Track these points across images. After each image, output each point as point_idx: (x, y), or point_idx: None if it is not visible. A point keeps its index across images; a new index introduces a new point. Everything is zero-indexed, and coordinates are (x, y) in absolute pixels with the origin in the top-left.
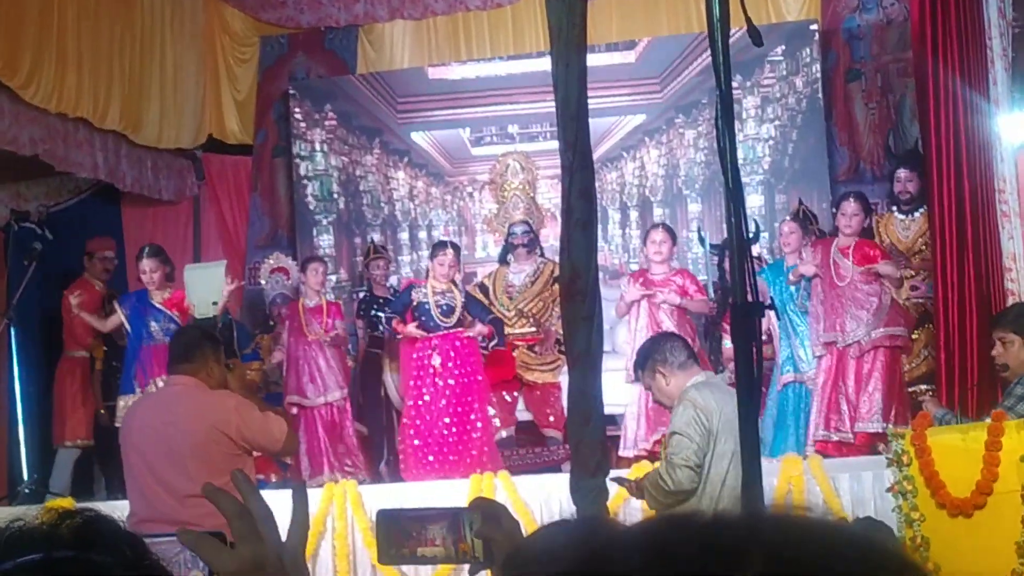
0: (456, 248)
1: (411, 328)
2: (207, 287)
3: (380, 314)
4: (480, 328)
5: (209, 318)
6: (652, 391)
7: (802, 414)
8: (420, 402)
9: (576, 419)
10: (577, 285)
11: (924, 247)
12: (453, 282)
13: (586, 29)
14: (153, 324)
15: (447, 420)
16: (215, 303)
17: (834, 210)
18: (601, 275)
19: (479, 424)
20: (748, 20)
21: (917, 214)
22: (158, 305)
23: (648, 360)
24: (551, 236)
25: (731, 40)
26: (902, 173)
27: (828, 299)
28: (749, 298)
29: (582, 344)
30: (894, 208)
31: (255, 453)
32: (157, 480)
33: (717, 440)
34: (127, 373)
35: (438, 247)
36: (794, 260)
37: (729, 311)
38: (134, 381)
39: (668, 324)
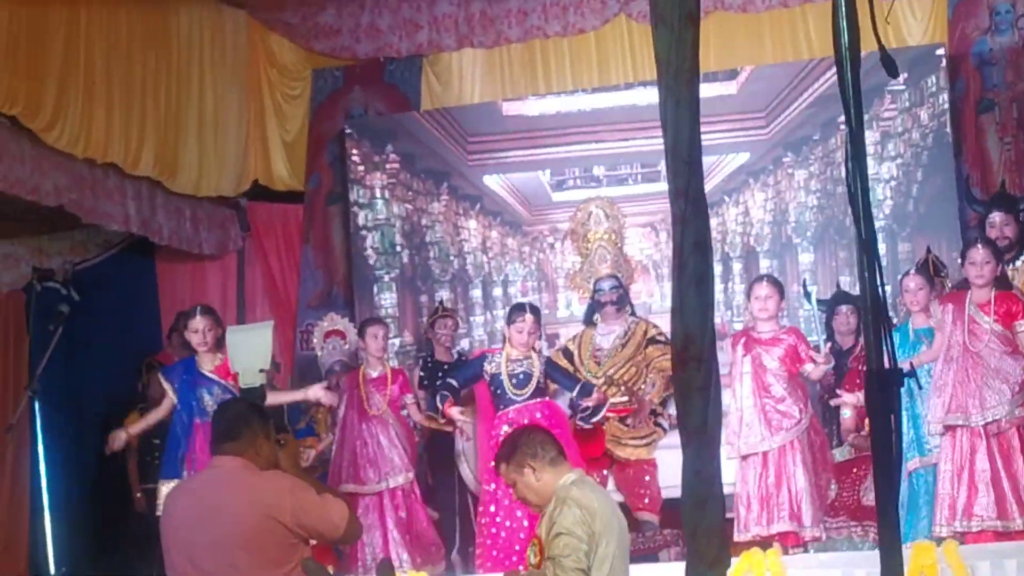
0: (536, 311)
1: (454, 412)
2: (253, 352)
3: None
4: (592, 399)
5: (256, 388)
6: (516, 487)
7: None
8: (497, 486)
9: (691, 504)
10: (691, 351)
11: None
12: (534, 349)
13: (698, 61)
14: (206, 396)
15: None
16: (262, 370)
17: (960, 260)
18: None
19: None
20: (881, 47)
21: (1019, 262)
22: (209, 374)
23: (517, 453)
24: (643, 292)
25: None
26: (997, 217)
27: (959, 367)
28: (886, 364)
29: (697, 418)
30: None
31: (311, 541)
32: (202, 574)
33: (599, 543)
34: (171, 454)
35: (515, 311)
36: (923, 321)
37: (845, 378)
38: (181, 464)
39: (778, 390)
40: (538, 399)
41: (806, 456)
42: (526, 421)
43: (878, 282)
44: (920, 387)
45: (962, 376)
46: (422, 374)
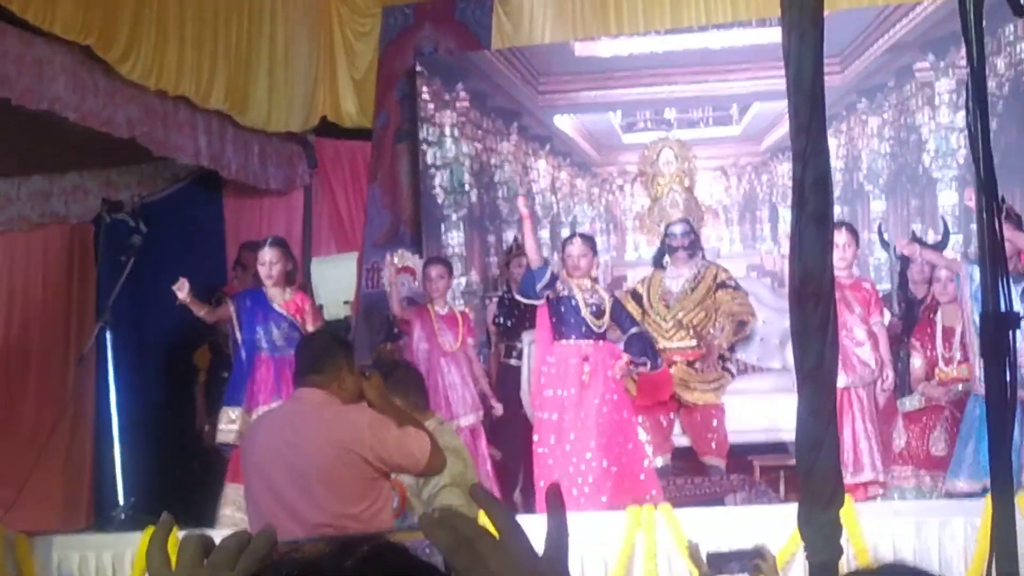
0: (586, 237)
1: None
2: (337, 283)
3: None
4: (622, 364)
5: (340, 320)
6: None
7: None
8: (565, 416)
9: (806, 443)
10: (809, 288)
11: None
12: (595, 280)
13: None
14: (274, 330)
15: (593, 444)
16: (347, 302)
17: None
18: (770, 282)
19: (631, 448)
20: None
21: None
22: (279, 309)
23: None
24: (712, 236)
25: (925, 13)
26: None
27: None
28: (1002, 307)
29: (814, 358)
30: None
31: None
32: (283, 507)
33: None
34: (235, 383)
35: (567, 239)
36: (1013, 269)
37: (916, 327)
38: (243, 394)
39: (860, 333)
40: (608, 340)
41: (870, 406)
42: (604, 358)
43: (997, 225)
44: None
45: None
46: (497, 312)
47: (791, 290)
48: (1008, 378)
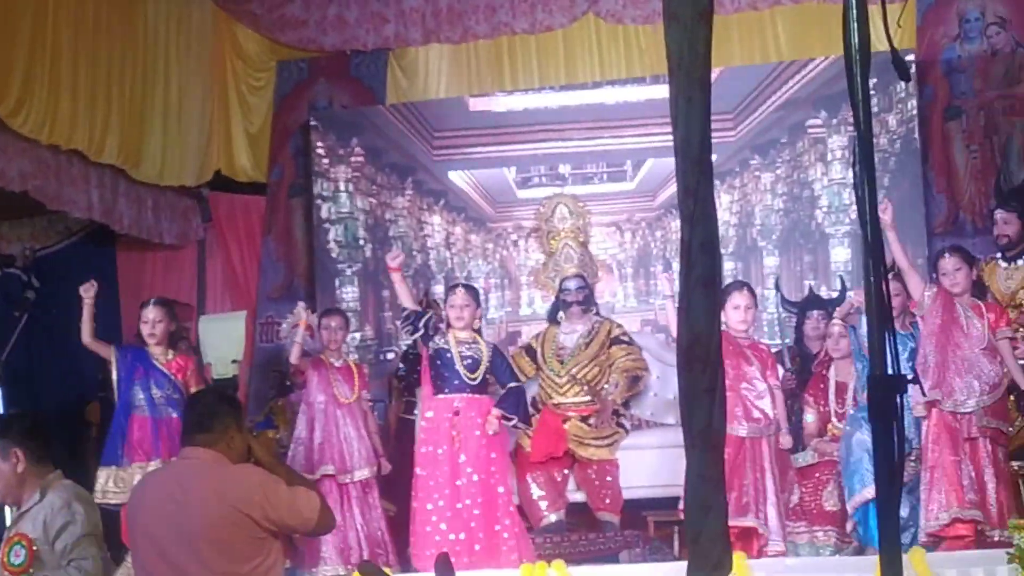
0: (470, 288)
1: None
2: (226, 342)
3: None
4: (493, 422)
5: (228, 379)
6: None
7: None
8: (437, 473)
9: (694, 507)
10: (696, 352)
11: None
12: (477, 332)
13: (710, 59)
14: (155, 390)
15: (468, 502)
16: (235, 361)
17: (933, 274)
18: (664, 337)
19: (510, 506)
20: (893, 50)
21: (1021, 261)
22: (161, 367)
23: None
24: (606, 292)
25: (817, 70)
26: (1000, 215)
27: (942, 358)
28: (889, 370)
29: (702, 420)
30: (998, 255)
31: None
32: (170, 567)
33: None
34: (112, 441)
35: (449, 289)
36: (899, 326)
37: (809, 382)
38: (120, 451)
39: (760, 385)
40: (486, 394)
41: (773, 461)
42: (473, 414)
43: (883, 287)
44: (925, 394)
45: (943, 366)
46: (401, 365)
47: (679, 352)
48: (896, 440)
